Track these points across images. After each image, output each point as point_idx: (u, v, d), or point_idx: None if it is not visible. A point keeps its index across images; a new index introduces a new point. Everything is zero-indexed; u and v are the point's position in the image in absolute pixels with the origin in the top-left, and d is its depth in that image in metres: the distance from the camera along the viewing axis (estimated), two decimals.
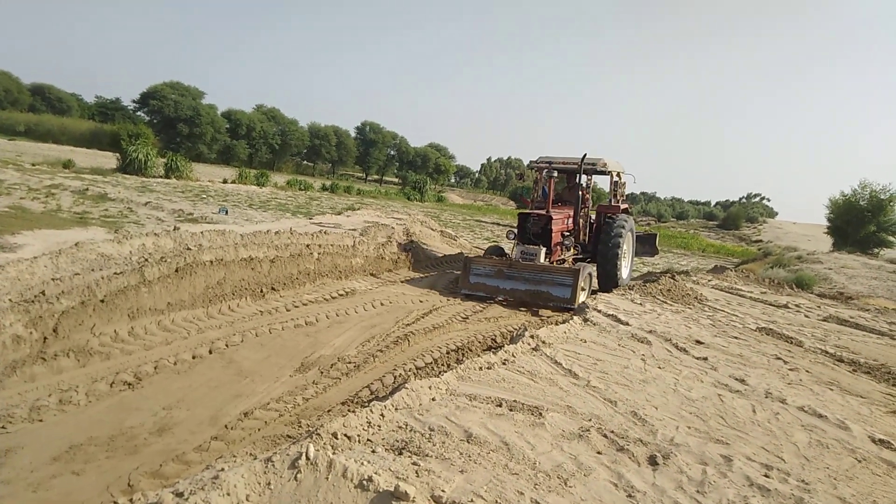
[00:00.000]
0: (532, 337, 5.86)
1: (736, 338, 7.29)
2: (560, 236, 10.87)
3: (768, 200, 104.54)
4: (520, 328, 6.64)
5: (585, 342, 6.16)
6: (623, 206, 12.26)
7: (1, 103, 55.95)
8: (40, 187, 14.80)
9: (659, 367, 5.64)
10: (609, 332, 6.71)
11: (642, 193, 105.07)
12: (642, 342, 6.44)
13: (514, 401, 4.24)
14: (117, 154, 25.37)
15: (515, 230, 10.96)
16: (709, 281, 12.27)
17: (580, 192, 11.37)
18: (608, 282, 11.21)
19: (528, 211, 11.16)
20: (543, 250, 10.23)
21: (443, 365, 6.04)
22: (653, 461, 3.61)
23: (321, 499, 2.74)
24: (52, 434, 4.11)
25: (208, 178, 28.06)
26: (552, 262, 10.49)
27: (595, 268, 11.08)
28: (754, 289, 11.96)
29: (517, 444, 3.57)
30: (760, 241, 46.42)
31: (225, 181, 27.79)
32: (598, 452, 3.66)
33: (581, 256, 11.74)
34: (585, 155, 11.09)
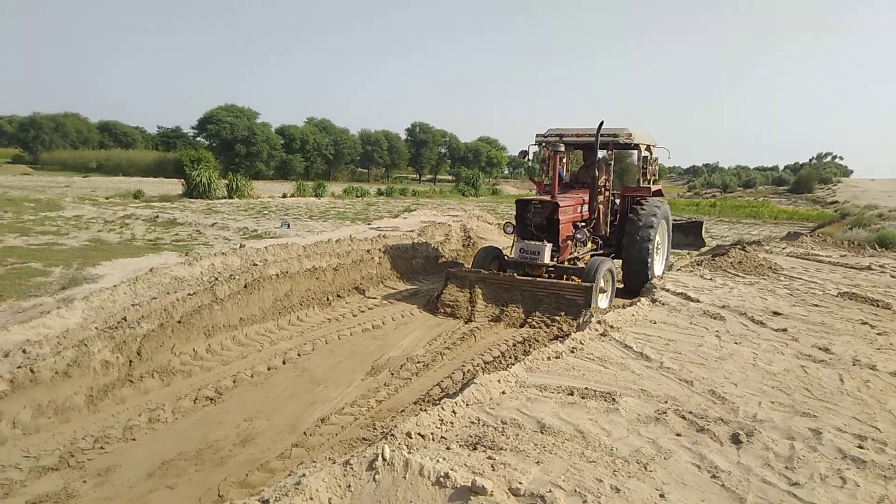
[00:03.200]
0: (599, 322, 5.77)
1: (816, 305, 6.95)
2: (571, 228, 8.80)
3: (841, 159, 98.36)
4: (586, 315, 6.53)
5: (655, 323, 6.01)
6: (655, 188, 10.17)
7: (74, 143, 59.42)
8: (115, 219, 15.63)
9: (735, 343, 5.44)
10: (679, 310, 6.52)
11: (705, 165, 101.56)
12: (715, 318, 6.23)
13: (586, 388, 4.18)
14: (182, 180, 26.51)
15: (514, 222, 8.96)
16: (783, 249, 11.75)
17: (595, 172, 9.03)
18: (636, 283, 9.25)
19: (527, 197, 9.12)
20: (548, 247, 8.25)
21: (510, 358, 6.02)
22: (736, 439, 3.49)
23: (400, 498, 2.77)
24: (145, 451, 4.33)
25: (268, 194, 28.93)
26: (561, 262, 8.59)
27: (615, 262, 9.13)
28: (833, 253, 11.37)
29: (592, 432, 3.52)
30: (836, 202, 44.03)
31: (284, 195, 28.58)
32: (678, 434, 3.56)
33: (601, 252, 9.66)
34: (602, 123, 8.78)
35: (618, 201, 10.18)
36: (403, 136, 69.22)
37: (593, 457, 3.23)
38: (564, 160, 10.59)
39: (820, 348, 5.31)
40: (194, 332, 6.17)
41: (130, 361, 5.39)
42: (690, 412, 3.86)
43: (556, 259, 8.52)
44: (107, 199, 22.34)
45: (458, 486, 2.79)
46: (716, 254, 11.14)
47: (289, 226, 15.21)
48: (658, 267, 10.17)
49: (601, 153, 9.73)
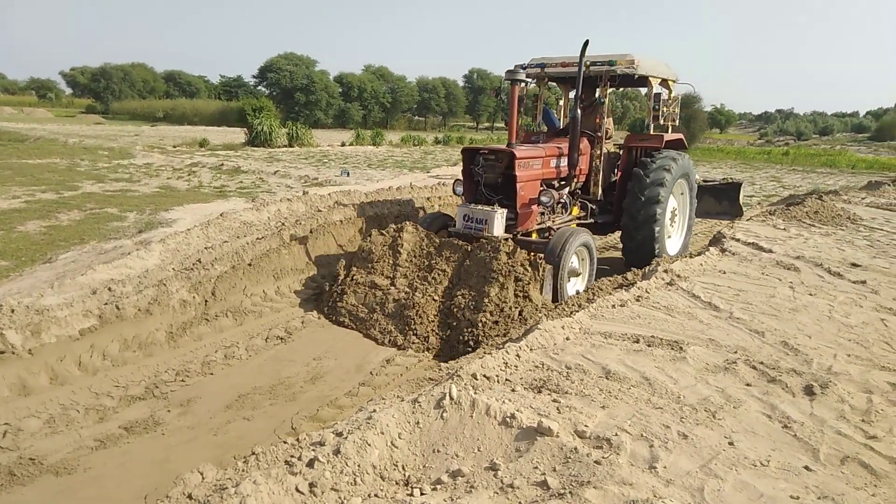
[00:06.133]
0: (666, 271, 5.65)
1: None
2: (535, 188, 6.59)
3: None
4: (652, 264, 6.40)
5: (724, 273, 5.84)
6: (671, 136, 7.77)
7: (141, 93, 61.19)
8: (182, 167, 16.12)
9: (810, 294, 5.24)
10: (750, 260, 6.31)
11: (777, 111, 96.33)
12: (789, 269, 6.00)
13: (652, 336, 4.14)
14: (245, 129, 27.00)
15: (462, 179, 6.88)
16: (863, 199, 11.13)
17: (577, 113, 6.64)
18: (639, 260, 7.07)
19: (475, 146, 6.94)
20: (499, 214, 6.19)
21: (574, 305, 5.99)
22: (809, 391, 3.40)
23: (468, 435, 2.85)
24: (222, 385, 4.58)
25: (327, 142, 29.19)
26: (519, 234, 6.47)
27: (588, 235, 6.48)
28: None
29: (659, 379, 3.49)
30: None
31: (343, 144, 28.78)
32: (748, 384, 3.50)
33: (590, 221, 7.44)
34: (587, 43, 6.51)
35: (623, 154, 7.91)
36: (461, 83, 68.10)
37: (660, 403, 3.22)
38: (563, 102, 8.63)
39: None
40: (264, 275, 6.39)
41: (206, 301, 5.65)
42: (761, 363, 3.77)
43: (516, 231, 6.47)
44: (174, 147, 23.03)
45: (525, 426, 2.84)
46: (790, 203, 10.64)
47: (348, 174, 15.36)
48: (673, 242, 8.14)
49: (594, 89, 7.65)
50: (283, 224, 7.14)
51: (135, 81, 61.96)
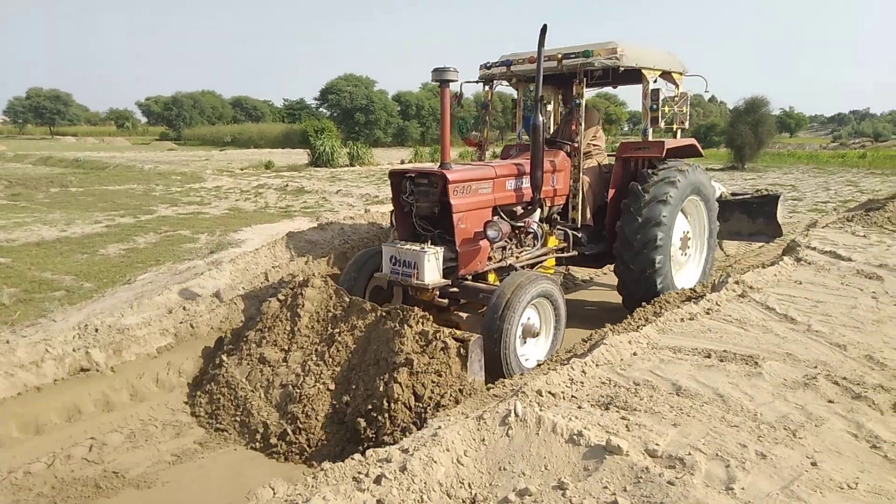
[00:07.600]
0: (737, 283, 5.44)
1: None
2: (483, 218, 5.24)
3: None
4: (722, 275, 6.17)
5: (801, 284, 5.58)
6: (676, 143, 6.34)
7: (210, 119, 64.13)
8: (249, 188, 16.75)
9: None
10: (828, 270, 6.00)
11: (852, 112, 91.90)
12: (871, 278, 5.68)
13: (725, 351, 3.98)
14: (307, 150, 27.88)
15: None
16: None
17: (538, 119, 5.25)
18: (639, 295, 5.94)
19: (402, 168, 5.70)
20: (430, 254, 4.81)
21: (640, 319, 5.84)
22: None
23: (534, 453, 2.81)
24: None
25: (387, 161, 29.75)
26: (462, 279, 5.27)
27: (548, 283, 5.00)
28: None
29: (733, 396, 3.36)
30: None
31: (402, 161, 29.27)
32: (830, 401, 3.32)
33: (572, 254, 6.17)
34: (545, 30, 5.13)
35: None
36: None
37: (735, 421, 3.09)
38: (552, 107, 7.32)
39: None
40: None
41: None
42: (844, 378, 3.57)
43: (458, 276, 5.17)
44: (241, 170, 23.98)
45: (592, 444, 2.78)
46: (869, 208, 10.06)
47: None
48: (688, 273, 6.78)
49: (559, 88, 6.70)
50: (346, 242, 7.29)
51: (204, 108, 65.13)
